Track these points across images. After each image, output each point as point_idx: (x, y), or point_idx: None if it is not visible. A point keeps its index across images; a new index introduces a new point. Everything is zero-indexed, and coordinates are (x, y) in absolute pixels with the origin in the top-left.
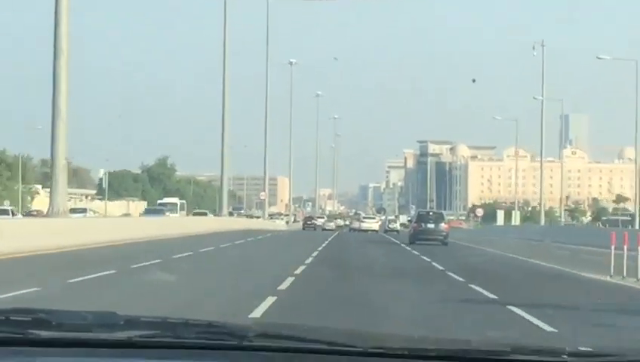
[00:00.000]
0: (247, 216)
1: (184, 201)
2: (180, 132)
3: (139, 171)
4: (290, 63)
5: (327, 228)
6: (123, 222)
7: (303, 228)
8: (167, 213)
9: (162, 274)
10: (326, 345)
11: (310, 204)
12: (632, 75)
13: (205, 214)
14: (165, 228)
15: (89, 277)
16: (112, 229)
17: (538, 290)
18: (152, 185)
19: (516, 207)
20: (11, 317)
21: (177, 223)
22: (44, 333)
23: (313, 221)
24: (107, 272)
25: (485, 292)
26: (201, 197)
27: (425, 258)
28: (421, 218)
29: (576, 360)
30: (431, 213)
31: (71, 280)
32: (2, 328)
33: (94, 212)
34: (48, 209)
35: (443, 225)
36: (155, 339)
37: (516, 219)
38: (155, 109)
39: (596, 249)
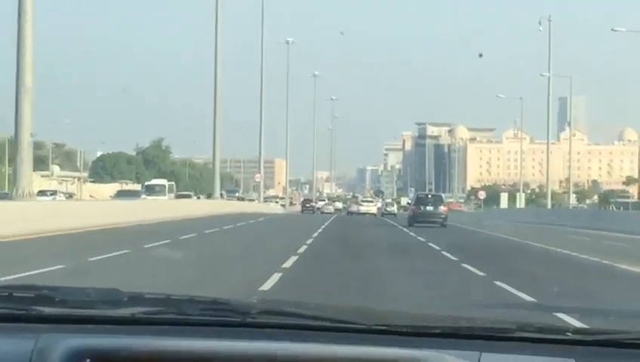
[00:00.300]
0: (237, 199)
1: (173, 183)
2: (178, 115)
3: (134, 153)
4: (287, 42)
5: (325, 211)
6: (99, 206)
7: (302, 211)
8: (145, 196)
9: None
10: (330, 322)
11: (307, 186)
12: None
13: (189, 196)
14: (150, 212)
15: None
16: (86, 214)
17: (590, 292)
18: (147, 167)
19: (521, 189)
20: (15, 294)
21: (163, 206)
22: (47, 310)
23: (312, 203)
24: (51, 268)
25: (522, 295)
26: (197, 180)
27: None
28: (420, 200)
29: (580, 337)
30: (430, 196)
31: None
32: (5, 304)
33: (71, 195)
34: (11, 191)
35: (442, 208)
36: (158, 316)
37: (521, 201)
38: (152, 92)
39: (618, 234)
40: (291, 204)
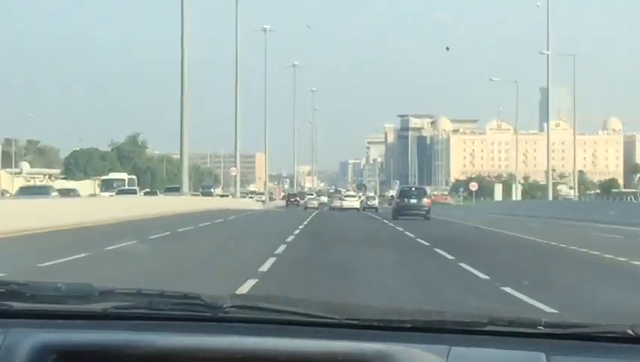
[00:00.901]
0: (202, 195)
1: (134, 177)
2: (156, 109)
3: (108, 149)
4: (264, 30)
5: (309, 205)
6: (37, 204)
7: (287, 206)
8: (56, 193)
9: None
10: (301, 316)
11: (288, 180)
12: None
13: (155, 193)
14: (100, 211)
15: None
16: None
17: None
18: (122, 163)
19: (516, 180)
20: None
21: (121, 204)
22: (18, 305)
23: (297, 198)
24: None
25: None
26: (174, 176)
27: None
28: (404, 193)
29: (551, 330)
30: (413, 189)
31: None
32: None
33: (3, 193)
34: None
35: (425, 200)
36: (129, 311)
37: (517, 193)
38: (129, 87)
39: None
40: (271, 198)
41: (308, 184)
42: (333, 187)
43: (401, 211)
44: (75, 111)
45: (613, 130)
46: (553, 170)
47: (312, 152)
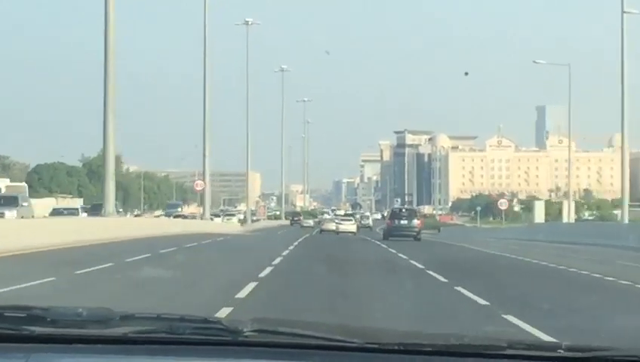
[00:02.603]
0: (166, 215)
1: (24, 184)
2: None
3: (79, 164)
4: (247, 23)
5: (305, 225)
6: None
7: (291, 224)
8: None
9: None
10: (321, 340)
11: (275, 198)
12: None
13: (76, 212)
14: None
15: None
16: None
17: None
18: (91, 179)
19: (570, 196)
20: (6, 314)
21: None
22: (39, 329)
23: (300, 217)
24: None
25: None
26: (153, 193)
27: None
28: (394, 215)
29: (572, 354)
30: (404, 210)
31: None
32: None
33: None
34: None
35: (416, 221)
36: (150, 335)
37: (571, 214)
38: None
39: None
40: (254, 220)
41: (299, 202)
42: (332, 207)
43: (392, 232)
44: (52, 126)
45: (619, 147)
46: (558, 189)
47: (304, 168)
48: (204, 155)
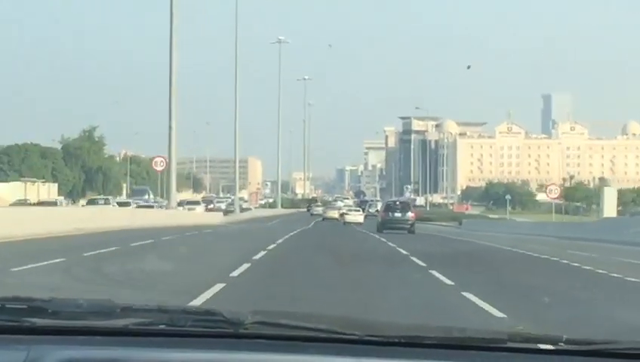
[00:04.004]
0: (119, 205)
1: None
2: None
3: (58, 146)
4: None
5: (314, 213)
6: None
7: (308, 211)
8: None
9: None
10: (322, 332)
11: (269, 184)
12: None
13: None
14: None
15: None
16: None
17: None
18: (67, 162)
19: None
20: (7, 305)
21: None
22: (40, 321)
23: (317, 204)
24: None
25: None
26: (142, 179)
27: None
28: (388, 208)
29: (572, 347)
30: (398, 203)
31: None
32: None
33: None
34: None
35: (409, 214)
36: (151, 327)
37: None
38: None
39: None
40: (243, 209)
41: (299, 190)
42: (336, 196)
43: (385, 225)
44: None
45: (634, 134)
46: (572, 177)
47: (305, 153)
48: (169, 127)
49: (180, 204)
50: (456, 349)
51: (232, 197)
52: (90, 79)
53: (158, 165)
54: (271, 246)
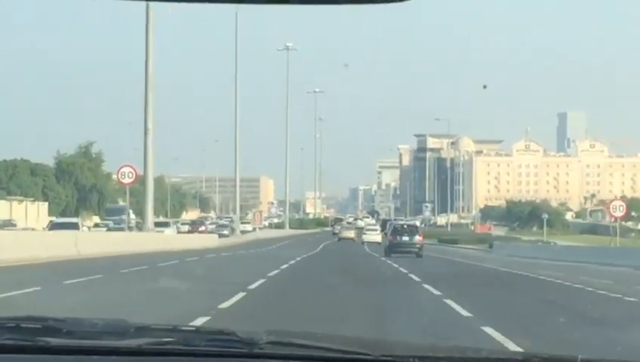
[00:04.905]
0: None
1: None
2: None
3: (52, 162)
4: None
5: (335, 231)
6: None
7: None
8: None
9: None
10: (336, 352)
11: (275, 203)
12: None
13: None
14: None
15: None
16: None
17: None
18: (60, 180)
19: None
20: (22, 325)
21: None
22: (54, 341)
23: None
24: None
25: None
26: (142, 197)
27: None
28: (396, 231)
29: None
30: (405, 226)
31: None
32: (13, 335)
33: None
34: None
35: (417, 238)
36: (165, 347)
37: None
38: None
39: None
40: (243, 231)
41: (310, 209)
42: (348, 216)
43: (393, 248)
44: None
45: None
46: (593, 196)
47: (316, 170)
48: (145, 129)
49: (157, 224)
50: None
51: (232, 216)
52: (89, 92)
53: (126, 177)
54: (253, 286)
